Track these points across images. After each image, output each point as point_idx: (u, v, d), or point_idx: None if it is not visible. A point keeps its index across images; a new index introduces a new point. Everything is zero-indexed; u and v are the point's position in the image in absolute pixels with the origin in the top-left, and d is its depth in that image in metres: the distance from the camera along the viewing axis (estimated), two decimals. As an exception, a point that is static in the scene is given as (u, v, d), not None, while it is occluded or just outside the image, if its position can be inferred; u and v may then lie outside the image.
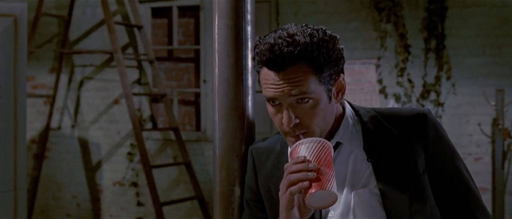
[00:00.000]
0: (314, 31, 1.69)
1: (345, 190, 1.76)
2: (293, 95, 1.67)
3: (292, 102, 1.69)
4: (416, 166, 1.74)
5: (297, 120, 1.70)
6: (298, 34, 1.67)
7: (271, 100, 1.72)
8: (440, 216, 1.78)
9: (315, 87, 1.68)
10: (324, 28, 1.72)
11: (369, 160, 1.76)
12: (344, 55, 1.76)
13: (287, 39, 1.66)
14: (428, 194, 1.75)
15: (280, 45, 1.65)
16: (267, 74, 1.70)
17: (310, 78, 1.67)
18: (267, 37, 1.70)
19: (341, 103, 1.82)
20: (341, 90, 1.77)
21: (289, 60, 1.65)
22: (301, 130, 1.71)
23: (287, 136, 1.75)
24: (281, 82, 1.67)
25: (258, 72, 1.75)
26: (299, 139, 1.72)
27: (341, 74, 1.75)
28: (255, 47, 1.72)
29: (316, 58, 1.67)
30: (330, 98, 1.73)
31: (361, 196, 1.74)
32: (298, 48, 1.65)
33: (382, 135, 1.77)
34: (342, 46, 1.75)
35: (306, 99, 1.68)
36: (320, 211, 1.78)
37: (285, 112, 1.70)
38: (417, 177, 1.74)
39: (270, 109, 1.74)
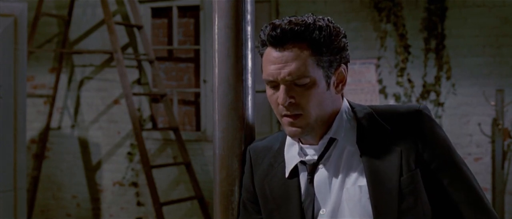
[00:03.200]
0: (319, 18, 1.74)
1: (337, 187, 1.76)
2: (290, 75, 1.70)
3: (289, 83, 1.72)
4: (407, 162, 1.72)
5: (293, 100, 1.72)
6: (303, 17, 1.74)
7: (270, 82, 1.75)
8: (431, 213, 1.75)
9: (313, 70, 1.71)
10: (330, 18, 1.77)
11: (361, 156, 1.75)
12: (348, 50, 1.80)
13: (291, 19, 1.73)
14: (420, 191, 1.72)
15: (283, 24, 1.71)
16: (268, 54, 1.74)
17: (308, 59, 1.70)
18: (273, 21, 1.76)
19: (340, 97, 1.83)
20: (342, 81, 1.78)
21: (290, 36, 1.70)
22: (297, 111, 1.73)
23: (283, 118, 1.76)
24: (280, 60, 1.71)
25: (262, 56, 1.78)
26: (295, 122, 1.73)
27: (343, 65, 1.77)
28: (260, 31, 1.77)
29: (317, 39, 1.71)
30: (328, 85, 1.75)
31: (351, 193, 1.74)
32: (299, 26, 1.70)
33: (376, 131, 1.77)
34: (347, 41, 1.78)
35: (303, 80, 1.71)
36: (313, 210, 1.78)
37: (281, 89, 1.73)
38: (408, 173, 1.72)
39: (269, 91, 1.77)
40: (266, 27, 1.75)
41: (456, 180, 1.75)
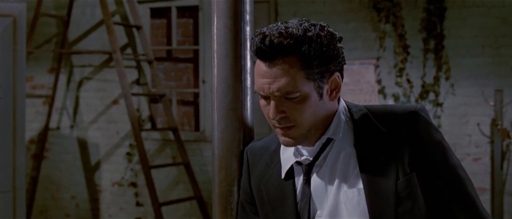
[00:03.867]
0: (311, 26, 1.68)
1: (334, 189, 1.74)
2: (279, 90, 1.67)
3: (279, 98, 1.69)
4: (403, 165, 1.70)
5: (284, 114, 1.70)
6: (293, 27, 1.67)
7: (261, 94, 1.73)
8: (427, 216, 1.74)
9: (303, 83, 1.67)
10: (324, 24, 1.71)
11: (358, 159, 1.74)
12: (344, 55, 1.75)
13: (280, 30, 1.67)
14: (417, 195, 1.71)
15: (272, 36, 1.66)
16: (259, 66, 1.71)
17: (297, 74, 1.67)
18: (264, 28, 1.70)
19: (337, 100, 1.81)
20: (336, 89, 1.75)
21: (278, 51, 1.65)
22: (289, 124, 1.71)
23: (276, 129, 1.74)
24: (269, 75, 1.68)
25: (254, 64, 1.75)
26: (288, 132, 1.71)
27: (336, 72, 1.73)
28: (252, 38, 1.74)
29: (306, 53, 1.66)
30: (321, 95, 1.71)
31: (350, 196, 1.72)
32: (288, 40, 1.65)
33: (372, 134, 1.75)
34: (342, 45, 1.73)
35: (292, 95, 1.68)
36: (308, 211, 1.76)
37: (271, 104, 1.70)
38: (405, 176, 1.70)
39: (261, 101, 1.75)
40: (257, 36, 1.70)
41: (450, 184, 1.74)
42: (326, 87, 1.72)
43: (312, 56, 1.67)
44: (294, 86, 1.67)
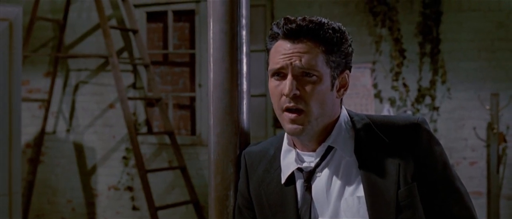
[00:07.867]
0: (332, 22, 1.78)
1: (335, 196, 1.75)
2: (300, 66, 1.72)
3: (297, 74, 1.73)
4: (404, 176, 1.72)
5: (297, 92, 1.72)
6: (317, 17, 1.79)
7: (277, 73, 1.76)
8: None
9: (322, 66, 1.73)
10: (341, 25, 1.81)
11: (359, 167, 1.75)
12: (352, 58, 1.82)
13: (305, 17, 1.77)
14: (417, 205, 1.73)
15: (299, 20, 1.76)
16: (280, 45, 1.76)
17: (319, 56, 1.73)
18: (287, 16, 1.81)
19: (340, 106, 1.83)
20: (344, 86, 1.80)
21: (305, 31, 1.74)
22: (299, 105, 1.73)
23: (284, 113, 1.75)
24: (292, 51, 1.74)
25: (268, 51, 1.80)
26: (297, 118, 1.72)
27: (347, 71, 1.80)
28: (273, 25, 1.81)
29: (330, 39, 1.74)
30: (332, 85, 1.76)
31: (350, 204, 1.73)
32: (314, 24, 1.74)
33: (374, 143, 1.77)
34: (353, 50, 1.81)
35: (311, 74, 1.72)
36: (309, 217, 1.77)
37: (288, 79, 1.73)
38: (405, 186, 1.72)
39: (273, 83, 1.77)
40: (280, 21, 1.78)
41: (450, 196, 1.77)
42: (337, 81, 1.78)
43: (335, 42, 1.75)
44: (315, 65, 1.73)
